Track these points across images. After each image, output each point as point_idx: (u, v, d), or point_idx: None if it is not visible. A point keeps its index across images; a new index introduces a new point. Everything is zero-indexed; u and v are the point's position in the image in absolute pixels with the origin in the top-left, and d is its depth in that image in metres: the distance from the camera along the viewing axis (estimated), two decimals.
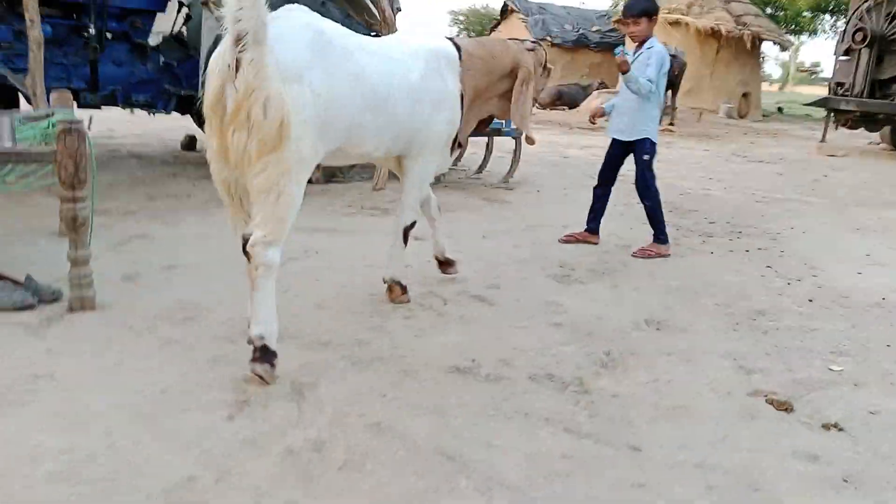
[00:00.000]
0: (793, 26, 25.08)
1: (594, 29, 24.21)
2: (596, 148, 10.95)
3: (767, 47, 24.60)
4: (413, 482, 2.15)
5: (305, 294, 3.66)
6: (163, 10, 6.91)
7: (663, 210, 4.97)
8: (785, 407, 2.76)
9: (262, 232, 2.63)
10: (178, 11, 7.39)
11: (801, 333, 3.59)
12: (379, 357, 2.98)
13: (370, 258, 4.27)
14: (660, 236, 4.96)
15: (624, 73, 4.60)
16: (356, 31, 6.17)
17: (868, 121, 13.13)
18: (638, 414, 2.65)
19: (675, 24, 19.72)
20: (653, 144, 4.84)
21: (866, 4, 12.71)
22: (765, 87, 46.54)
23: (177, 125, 8.71)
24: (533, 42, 3.97)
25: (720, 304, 3.97)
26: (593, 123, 5.42)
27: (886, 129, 13.72)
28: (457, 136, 3.59)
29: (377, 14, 6.30)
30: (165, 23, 7.29)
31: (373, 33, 6.36)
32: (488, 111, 3.86)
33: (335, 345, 3.07)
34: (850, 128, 13.56)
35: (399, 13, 6.76)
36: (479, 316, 3.55)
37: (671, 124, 15.24)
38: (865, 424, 2.69)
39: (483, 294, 3.87)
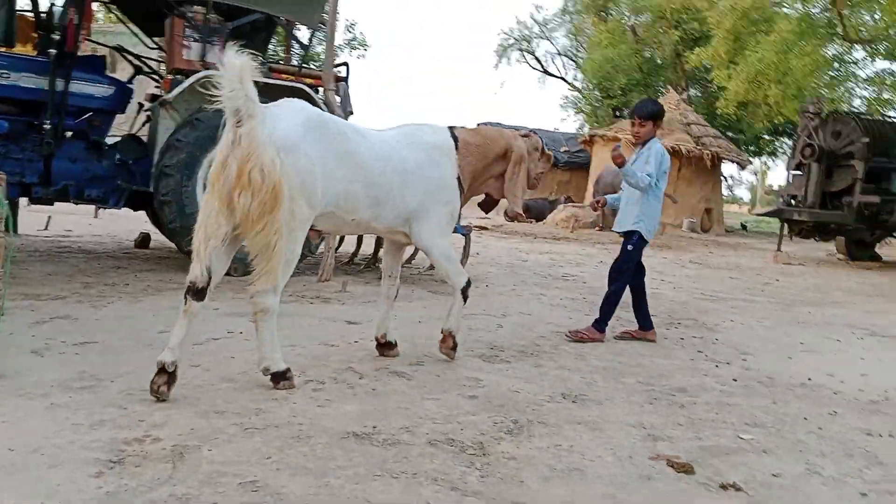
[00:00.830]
0: (752, 148, 26.33)
1: (563, 149, 25.20)
2: (555, 254, 11.15)
3: (730, 167, 25.66)
4: None
5: (215, 369, 3.60)
6: (122, 111, 7.15)
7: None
8: (685, 469, 2.69)
9: (260, 284, 3.19)
10: (139, 112, 7.67)
11: (718, 407, 3.55)
12: (274, 424, 2.90)
13: (293, 339, 4.22)
14: (601, 324, 4.97)
15: (619, 166, 4.77)
16: None
17: (821, 230, 13.55)
18: (531, 475, 2.57)
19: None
20: (641, 239, 4.92)
21: (814, 123, 13.44)
22: (734, 208, 48.32)
23: (138, 227, 8.80)
24: (528, 131, 4.48)
25: (642, 381, 3.94)
26: (594, 210, 5.45)
27: (842, 240, 14.15)
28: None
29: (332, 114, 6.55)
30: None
31: None
32: (486, 190, 4.31)
33: (231, 413, 2.98)
34: (804, 237, 13.95)
35: (351, 116, 7.04)
36: (392, 389, 3.49)
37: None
38: (765, 485, 2.62)
39: (403, 371, 3.82)
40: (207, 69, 6.40)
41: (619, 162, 4.73)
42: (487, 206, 4.54)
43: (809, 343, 5.32)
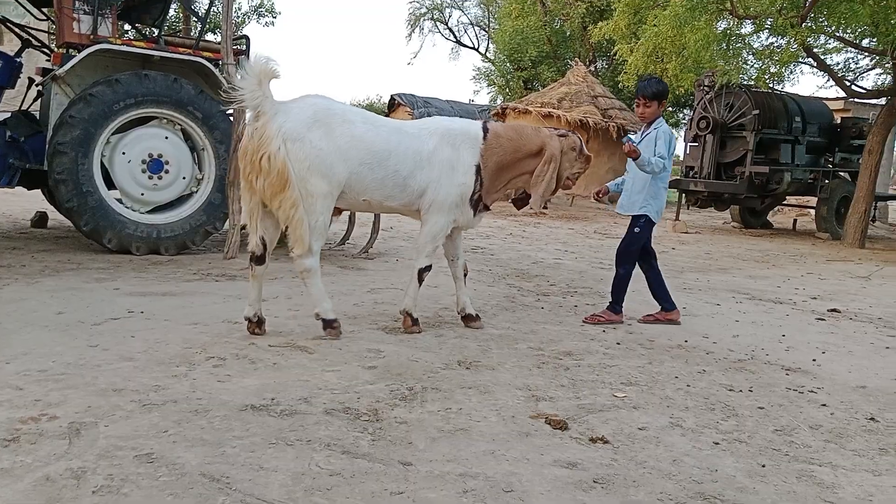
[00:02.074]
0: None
1: None
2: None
3: None
4: (168, 501, 2.16)
5: (115, 348, 3.62)
6: (12, 86, 6.86)
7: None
8: (560, 425, 2.94)
9: (295, 250, 3.86)
10: (29, 88, 7.36)
11: (599, 369, 3.84)
12: (172, 400, 2.98)
13: (195, 317, 4.28)
14: (615, 306, 5.03)
15: (634, 159, 4.65)
16: (210, 105, 6.39)
17: (716, 200, 14.35)
18: (420, 437, 2.76)
19: (548, 116, 21.08)
20: (649, 221, 4.90)
21: (708, 96, 14.12)
22: None
23: (34, 205, 8.47)
24: (567, 130, 4.63)
25: (533, 347, 4.20)
26: (597, 200, 5.28)
27: (736, 209, 15.03)
28: (480, 200, 4.35)
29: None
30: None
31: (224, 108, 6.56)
32: (519, 185, 4.53)
33: (129, 390, 3.04)
34: (701, 207, 14.73)
35: None
36: (294, 363, 3.61)
37: (544, 208, 16.03)
38: (630, 437, 2.90)
39: (307, 345, 3.94)
40: (99, 43, 6.22)
41: (636, 156, 4.62)
42: (521, 202, 4.66)
43: (691, 307, 5.75)
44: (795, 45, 11.46)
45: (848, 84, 13.82)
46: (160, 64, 6.61)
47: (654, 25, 12.06)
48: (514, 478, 2.45)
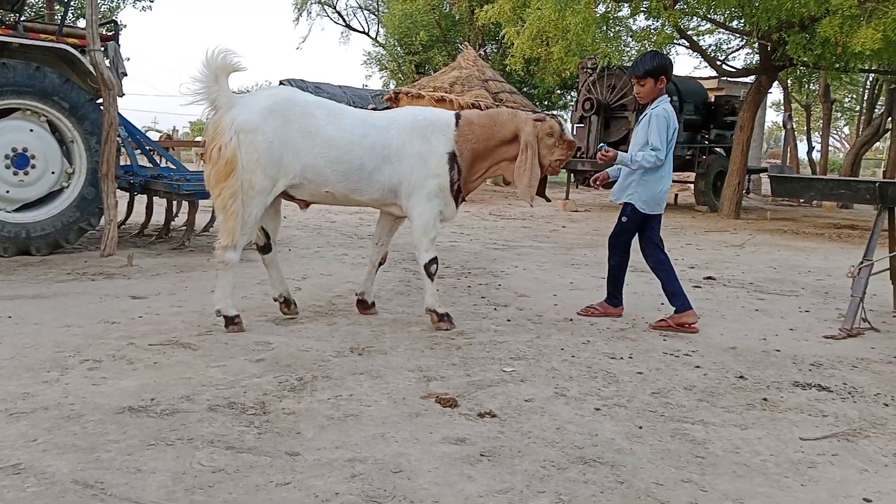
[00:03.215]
0: (546, 102, 27.98)
1: (370, 107, 25.24)
2: (364, 213, 11.30)
3: None
4: None
5: None
6: None
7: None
8: (450, 403, 2.99)
9: (222, 240, 3.86)
10: None
11: (489, 346, 3.92)
12: (43, 407, 2.81)
13: (69, 319, 4.05)
14: (612, 298, 4.78)
15: (611, 162, 4.48)
16: (77, 94, 6.03)
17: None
18: (308, 426, 2.73)
19: (441, 101, 21.18)
20: (635, 210, 4.52)
21: (592, 78, 14.58)
22: None
23: None
24: (545, 114, 4.34)
25: (426, 329, 4.23)
26: (595, 186, 4.84)
27: None
28: (460, 190, 4.20)
29: (103, 78, 6.13)
30: None
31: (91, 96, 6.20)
32: (499, 173, 4.38)
33: None
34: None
35: (124, 77, 6.63)
36: (176, 361, 3.47)
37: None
38: (517, 409, 2.98)
39: (190, 342, 3.80)
40: None
41: (610, 157, 4.40)
42: (540, 188, 4.40)
43: (578, 282, 5.95)
44: (670, 28, 12.01)
45: (719, 64, 14.63)
46: (21, 52, 6.16)
47: (538, 9, 12.31)
48: (402, 458, 2.47)
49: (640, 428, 2.84)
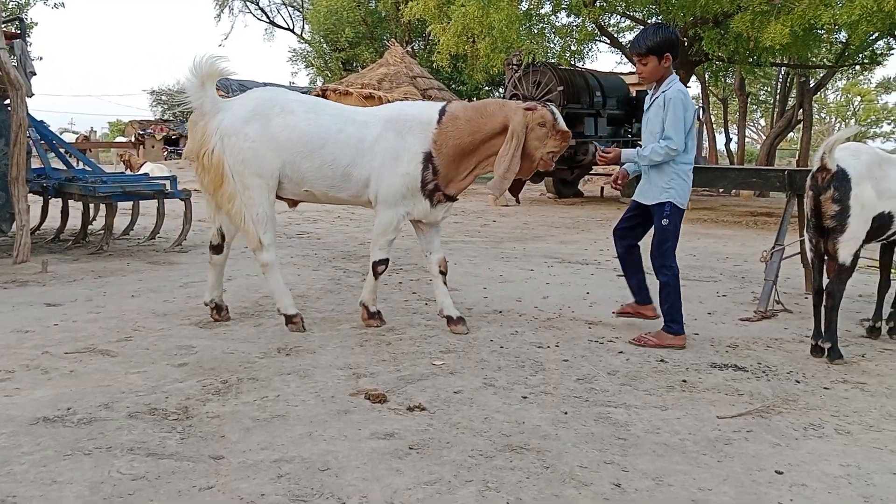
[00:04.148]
0: (474, 99, 28.21)
1: None
2: (294, 212, 11.12)
3: None
4: None
5: None
6: None
7: None
8: (380, 399, 2.98)
9: (249, 245, 3.98)
10: None
11: (420, 340, 3.93)
12: None
13: None
14: (671, 325, 3.93)
15: (620, 179, 4.11)
16: None
17: (533, 174, 15.08)
18: (233, 428, 2.68)
19: (370, 97, 21.06)
20: (675, 209, 3.91)
21: (517, 74, 14.77)
22: None
23: None
24: (537, 102, 4.01)
25: (356, 326, 4.21)
26: (617, 187, 4.33)
27: (550, 180, 15.90)
28: (437, 190, 3.98)
29: (9, 77, 5.84)
30: None
31: None
32: (488, 170, 4.04)
33: None
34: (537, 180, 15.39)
35: (34, 77, 6.35)
36: (94, 368, 3.35)
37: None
38: (447, 402, 3.00)
39: (108, 348, 3.67)
40: None
41: (611, 157, 4.08)
42: (514, 186, 4.27)
43: (507, 274, 6.03)
44: (591, 25, 12.29)
45: None
46: None
47: (463, 6, 12.39)
48: (330, 456, 2.45)
49: (566, 414, 2.90)
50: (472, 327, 4.24)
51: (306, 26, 31.42)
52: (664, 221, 3.92)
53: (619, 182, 4.20)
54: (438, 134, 3.93)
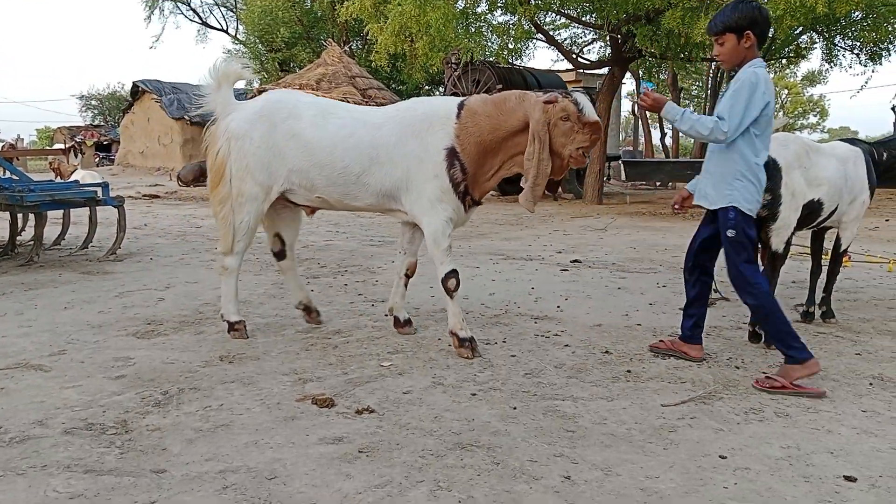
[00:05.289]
0: (413, 97, 28.19)
1: None
2: None
3: None
4: None
5: None
6: None
7: None
8: (327, 403, 2.94)
9: (220, 247, 3.94)
10: None
11: (367, 342, 3.90)
12: None
13: None
14: (790, 352, 3.23)
15: (652, 108, 3.39)
16: None
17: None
18: (175, 440, 2.60)
19: None
20: (741, 215, 3.28)
21: (456, 73, 14.82)
22: None
23: None
24: (557, 92, 3.53)
25: (301, 331, 4.15)
26: (678, 210, 3.84)
27: None
28: (468, 192, 3.64)
29: None
30: None
31: None
32: (514, 171, 3.67)
33: None
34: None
35: None
36: (26, 385, 3.20)
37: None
38: (395, 403, 2.98)
39: (42, 363, 3.52)
40: None
41: (650, 102, 3.36)
42: (550, 185, 3.68)
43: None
44: (527, 23, 12.39)
45: (575, 57, 15.26)
46: None
47: (399, 4, 12.33)
48: (277, 464, 2.40)
49: (515, 409, 2.91)
50: (420, 326, 4.23)
51: (240, 27, 30.84)
52: (730, 233, 3.30)
53: (681, 207, 3.76)
54: (460, 129, 3.58)
